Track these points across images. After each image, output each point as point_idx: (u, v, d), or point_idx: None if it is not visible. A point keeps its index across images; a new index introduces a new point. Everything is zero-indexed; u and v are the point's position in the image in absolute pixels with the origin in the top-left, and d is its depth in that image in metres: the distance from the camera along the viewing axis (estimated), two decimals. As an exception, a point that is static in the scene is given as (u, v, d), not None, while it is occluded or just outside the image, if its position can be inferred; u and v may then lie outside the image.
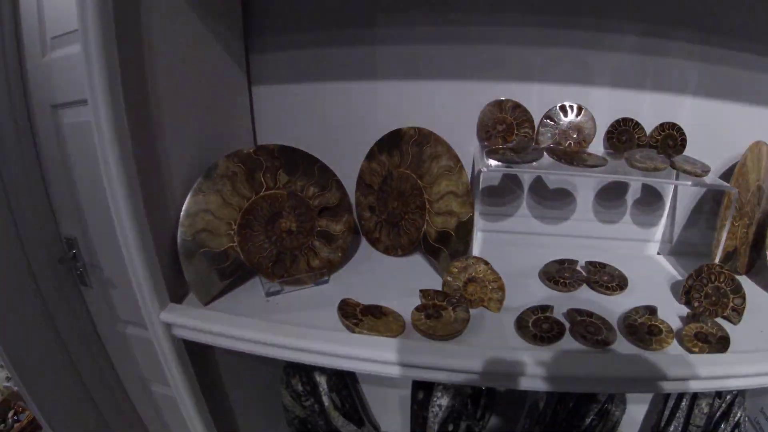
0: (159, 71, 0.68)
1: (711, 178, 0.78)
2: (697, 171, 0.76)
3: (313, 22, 0.88)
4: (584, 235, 0.93)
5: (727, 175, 0.86)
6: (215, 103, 0.85)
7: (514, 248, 0.91)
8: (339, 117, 0.92)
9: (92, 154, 0.82)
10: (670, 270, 0.88)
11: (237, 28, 0.89)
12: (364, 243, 0.95)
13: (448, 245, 0.78)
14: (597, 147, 0.86)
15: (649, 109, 0.86)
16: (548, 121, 0.85)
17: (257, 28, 0.91)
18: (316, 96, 0.91)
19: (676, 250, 0.93)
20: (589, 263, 0.83)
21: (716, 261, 0.78)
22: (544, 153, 0.79)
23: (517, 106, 0.85)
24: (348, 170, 0.89)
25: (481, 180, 0.78)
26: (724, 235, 0.77)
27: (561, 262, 0.83)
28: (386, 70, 0.87)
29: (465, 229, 0.76)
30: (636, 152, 0.80)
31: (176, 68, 0.72)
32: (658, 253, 0.93)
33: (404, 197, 0.84)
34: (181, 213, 0.73)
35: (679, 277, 0.84)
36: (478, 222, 0.81)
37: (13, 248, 1.00)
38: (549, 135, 0.85)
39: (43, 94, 0.97)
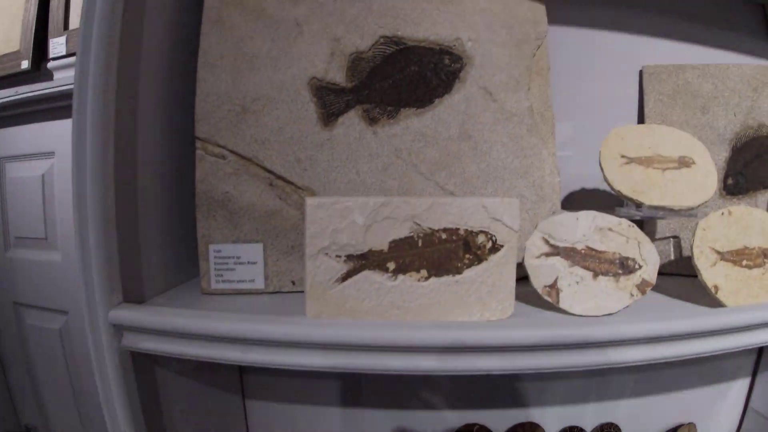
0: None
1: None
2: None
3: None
4: None
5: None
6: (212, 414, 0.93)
7: None
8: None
9: (53, 351, 0.86)
10: None
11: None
12: None
13: None
14: (549, 453, 1.04)
15: (592, 415, 1.02)
16: (509, 438, 1.01)
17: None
18: (306, 415, 1.03)
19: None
20: None
21: None
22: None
23: (482, 428, 1.00)
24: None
25: None
26: None
27: None
28: (372, 401, 1.00)
29: None
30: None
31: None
32: None
33: None
34: None
35: None
36: None
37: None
38: (510, 450, 1.01)
39: (4, 289, 0.96)
